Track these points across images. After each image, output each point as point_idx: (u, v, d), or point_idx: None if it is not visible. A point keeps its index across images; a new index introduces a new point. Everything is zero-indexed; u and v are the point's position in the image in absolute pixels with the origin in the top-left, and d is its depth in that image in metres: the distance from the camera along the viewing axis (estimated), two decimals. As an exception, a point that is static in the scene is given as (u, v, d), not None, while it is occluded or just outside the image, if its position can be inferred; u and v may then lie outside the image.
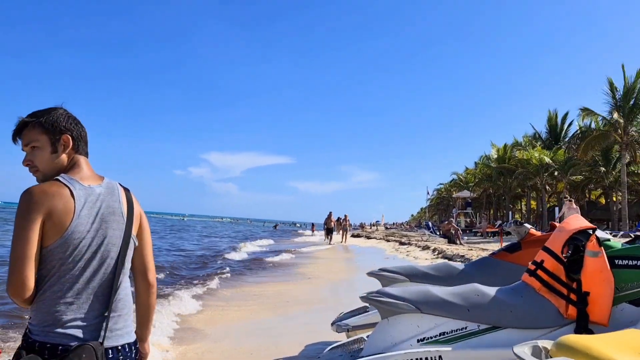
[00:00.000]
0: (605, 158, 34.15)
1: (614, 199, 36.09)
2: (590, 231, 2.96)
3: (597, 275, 2.82)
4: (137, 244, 1.86)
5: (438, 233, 24.08)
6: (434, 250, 15.05)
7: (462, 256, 11.66)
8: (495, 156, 45.24)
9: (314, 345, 5.17)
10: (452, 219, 23.27)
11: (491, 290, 3.02)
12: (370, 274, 4.62)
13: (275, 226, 73.68)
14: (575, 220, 3.11)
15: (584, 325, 2.79)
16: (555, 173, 34.78)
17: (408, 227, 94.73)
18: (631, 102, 28.36)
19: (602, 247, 2.87)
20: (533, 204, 47.15)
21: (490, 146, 48.40)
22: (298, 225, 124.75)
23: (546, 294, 2.91)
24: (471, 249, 14.97)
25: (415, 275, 4.48)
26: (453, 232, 21.36)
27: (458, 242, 21.08)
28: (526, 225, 4.54)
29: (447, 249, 14.59)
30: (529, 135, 45.44)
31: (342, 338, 4.72)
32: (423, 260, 13.27)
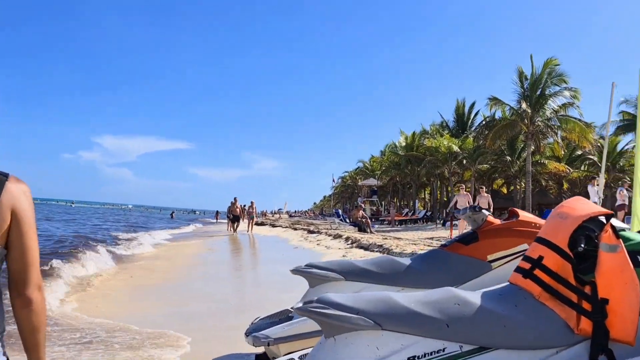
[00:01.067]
0: (511, 147, 35.70)
1: (517, 187, 37.94)
2: (604, 218, 2.32)
3: (617, 277, 2.17)
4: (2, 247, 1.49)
5: (348, 221, 23.85)
6: (346, 239, 14.54)
7: (380, 245, 11.18)
8: (404, 144, 46.13)
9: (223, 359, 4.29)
10: (362, 206, 23.06)
11: (475, 298, 2.29)
12: (296, 271, 3.78)
13: (172, 214, 70.57)
14: (582, 204, 2.46)
15: (602, 344, 2.14)
16: (464, 161, 35.91)
17: (313, 215, 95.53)
18: (538, 92, 29.65)
19: (620, 240, 2.24)
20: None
21: (399, 134, 49.36)
22: (198, 212, 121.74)
23: (549, 301, 2.23)
24: (386, 238, 14.62)
25: (352, 273, 3.72)
26: (363, 220, 21.15)
27: (369, 230, 20.87)
28: (484, 211, 3.92)
29: (362, 237, 14.14)
30: (436, 123, 46.82)
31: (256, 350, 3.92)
32: (336, 249, 12.69)
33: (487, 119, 36.27)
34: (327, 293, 2.39)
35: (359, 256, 10.50)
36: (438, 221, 33.83)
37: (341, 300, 2.23)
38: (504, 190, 46.44)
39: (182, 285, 8.01)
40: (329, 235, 17.12)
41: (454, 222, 17.87)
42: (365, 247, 11.76)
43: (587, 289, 2.19)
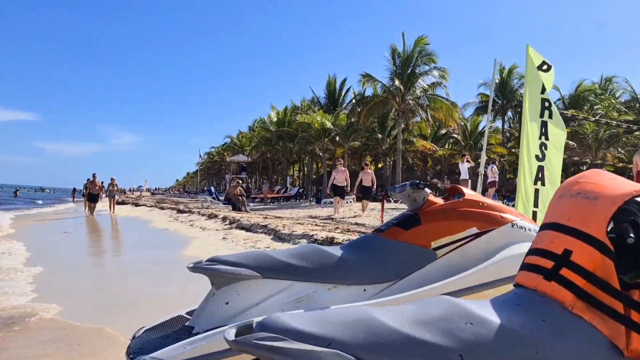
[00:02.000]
0: (382, 125, 36.56)
1: (386, 165, 39.10)
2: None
3: (672, 277, 1.65)
4: None
5: (221, 199, 22.80)
6: (223, 218, 13.62)
7: (264, 226, 10.44)
8: (275, 119, 45.55)
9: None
10: (239, 181, 22.00)
11: (488, 312, 1.63)
12: (196, 267, 2.91)
13: (15, 192, 63.93)
14: (609, 179, 1.90)
15: (660, 369, 1.61)
16: (337, 138, 36.13)
17: (177, 192, 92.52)
18: (409, 71, 30.44)
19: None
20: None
21: (269, 109, 48.75)
22: (48, 190, 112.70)
23: (586, 313, 1.64)
24: (266, 217, 13.94)
25: (270, 268, 2.93)
26: (239, 197, 20.25)
27: (244, 209, 20.05)
28: (426, 190, 3.33)
29: (241, 217, 13.30)
30: (307, 99, 46.87)
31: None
32: (213, 231, 11.77)
33: (358, 96, 36.98)
34: (278, 314, 1.60)
35: (241, 238, 9.72)
36: (311, 198, 33.86)
37: (297, 323, 1.47)
38: (372, 167, 47.81)
39: (26, 279, 6.65)
40: (203, 215, 16.06)
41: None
42: (247, 228, 10.98)
43: (636, 295, 1.64)
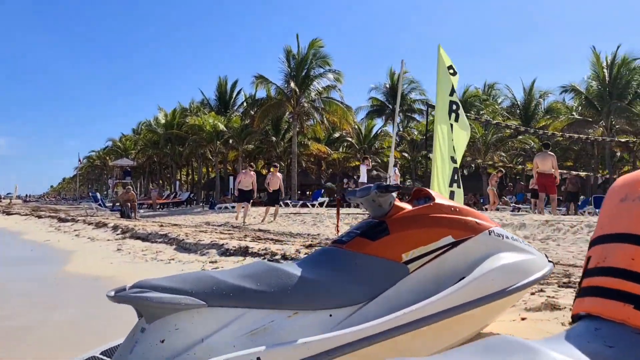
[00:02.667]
0: (276, 128, 36.18)
1: (281, 168, 38.78)
2: None
3: None
4: None
5: (108, 205, 21.22)
6: (114, 227, 12.46)
7: (164, 235, 9.55)
8: (164, 121, 43.74)
9: None
10: (129, 187, 20.56)
11: (577, 359, 1.21)
12: (119, 297, 2.24)
13: None
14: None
15: None
16: (230, 141, 35.20)
17: (54, 199, 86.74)
18: (303, 73, 30.32)
19: None
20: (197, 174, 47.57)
21: (157, 111, 46.75)
22: None
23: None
24: (162, 225, 12.97)
25: (216, 294, 2.33)
26: (129, 203, 18.87)
27: (134, 215, 18.75)
28: (393, 194, 2.88)
29: (134, 225, 12.23)
30: (196, 101, 45.47)
31: None
32: (104, 241, 10.66)
33: (249, 99, 36.44)
34: None
35: (138, 249, 8.80)
36: (202, 204, 32.75)
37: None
38: (264, 171, 47.30)
39: None
40: (89, 223, 14.68)
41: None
42: (144, 238, 10.02)
43: None
